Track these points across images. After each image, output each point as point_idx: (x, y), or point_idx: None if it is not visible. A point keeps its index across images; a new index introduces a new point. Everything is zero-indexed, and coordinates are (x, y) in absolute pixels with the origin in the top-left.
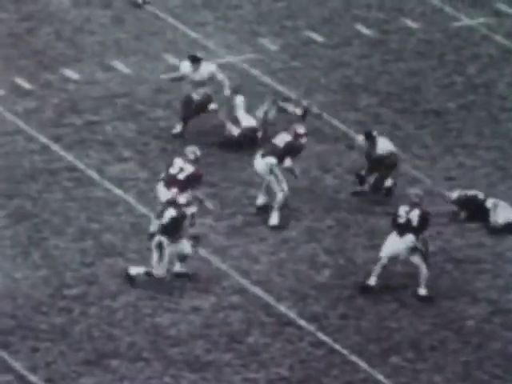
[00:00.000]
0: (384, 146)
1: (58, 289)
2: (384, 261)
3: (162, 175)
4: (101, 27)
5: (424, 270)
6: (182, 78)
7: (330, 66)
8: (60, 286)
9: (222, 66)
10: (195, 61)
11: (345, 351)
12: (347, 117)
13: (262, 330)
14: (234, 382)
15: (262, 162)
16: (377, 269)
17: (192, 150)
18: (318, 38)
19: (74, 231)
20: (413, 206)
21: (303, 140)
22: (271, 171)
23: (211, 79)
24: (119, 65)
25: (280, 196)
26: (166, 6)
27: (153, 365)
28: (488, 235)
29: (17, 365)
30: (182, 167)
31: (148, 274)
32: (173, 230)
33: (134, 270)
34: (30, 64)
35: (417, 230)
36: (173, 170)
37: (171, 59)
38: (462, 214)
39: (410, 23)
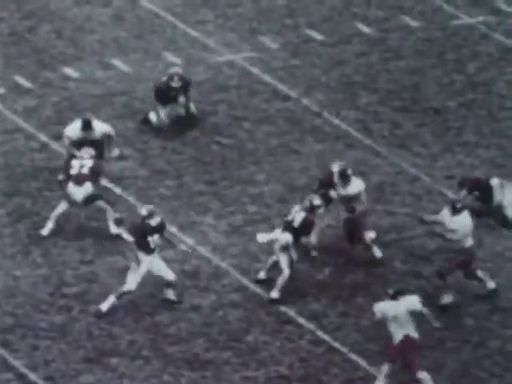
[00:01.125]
0: (356, 185)
1: (58, 287)
2: (275, 255)
3: (61, 177)
4: (101, 26)
5: (285, 274)
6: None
7: (329, 64)
8: (60, 285)
9: (222, 64)
10: (88, 126)
11: (344, 349)
12: (347, 115)
13: (261, 328)
14: (233, 381)
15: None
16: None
17: (86, 151)
18: (318, 36)
19: (74, 229)
20: (303, 208)
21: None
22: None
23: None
24: (119, 63)
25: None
26: (165, 4)
27: (152, 363)
28: (488, 234)
29: (16, 363)
30: (81, 164)
31: (120, 296)
32: (141, 239)
33: (105, 306)
34: (30, 62)
35: (296, 232)
36: (74, 170)
37: (171, 58)
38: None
39: (409, 21)
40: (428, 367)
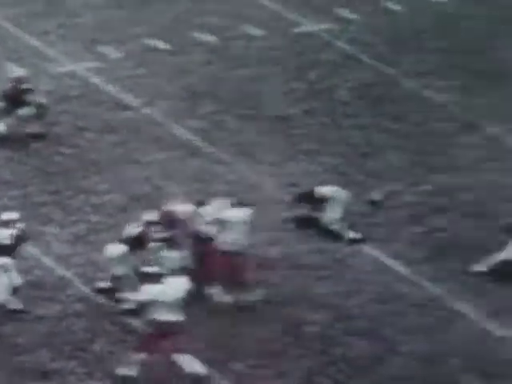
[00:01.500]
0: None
1: None
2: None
3: None
4: None
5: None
6: None
7: (173, 73)
8: None
9: (63, 75)
10: None
11: None
12: (191, 124)
13: (106, 337)
14: None
15: None
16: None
17: None
18: (161, 46)
19: None
20: (141, 223)
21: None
22: None
23: None
24: None
25: None
26: (7, 14)
27: None
28: (330, 241)
29: None
30: None
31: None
32: (15, 247)
33: None
34: None
35: (131, 244)
36: None
37: (13, 68)
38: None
39: (251, 29)
40: (271, 375)
